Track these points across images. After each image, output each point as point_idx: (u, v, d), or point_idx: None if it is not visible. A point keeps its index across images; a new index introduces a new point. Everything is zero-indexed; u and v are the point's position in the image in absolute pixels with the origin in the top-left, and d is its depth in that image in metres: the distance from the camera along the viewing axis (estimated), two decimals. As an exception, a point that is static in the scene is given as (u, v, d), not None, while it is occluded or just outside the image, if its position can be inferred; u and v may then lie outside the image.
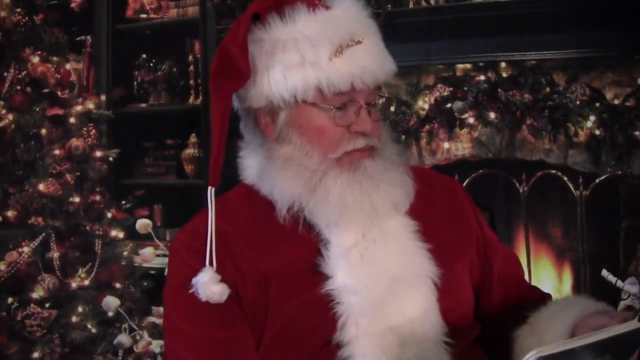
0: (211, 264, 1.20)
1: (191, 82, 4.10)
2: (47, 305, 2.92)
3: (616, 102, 3.07)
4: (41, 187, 2.95)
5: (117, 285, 3.15)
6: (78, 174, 3.13)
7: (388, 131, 1.36)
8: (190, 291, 1.21)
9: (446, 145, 3.39)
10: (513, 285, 1.41)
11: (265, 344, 1.22)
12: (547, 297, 1.41)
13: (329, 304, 1.19)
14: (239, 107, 1.30)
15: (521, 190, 3.20)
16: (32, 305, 2.86)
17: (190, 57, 4.12)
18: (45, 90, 3.15)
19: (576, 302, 1.28)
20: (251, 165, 1.31)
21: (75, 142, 3.11)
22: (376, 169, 1.25)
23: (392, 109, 3.37)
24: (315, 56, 1.21)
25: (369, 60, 1.23)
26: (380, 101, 1.30)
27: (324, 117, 1.23)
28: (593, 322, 1.16)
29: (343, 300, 1.19)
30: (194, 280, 1.19)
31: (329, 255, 1.22)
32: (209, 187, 1.24)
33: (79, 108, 3.22)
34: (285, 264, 1.23)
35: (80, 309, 2.98)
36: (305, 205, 1.23)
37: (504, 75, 3.25)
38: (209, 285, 1.18)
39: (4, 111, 2.97)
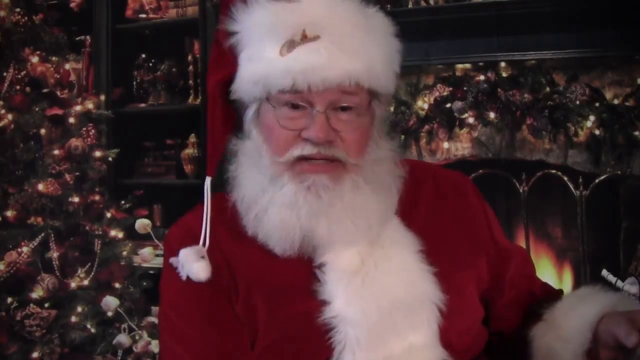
0: (204, 244, 1.19)
1: (190, 82, 4.10)
2: (46, 305, 2.91)
3: (616, 102, 3.06)
4: (41, 187, 2.95)
5: (117, 285, 3.15)
6: (77, 174, 3.13)
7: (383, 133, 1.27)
8: (189, 290, 1.19)
9: (446, 145, 3.39)
10: (525, 285, 1.37)
11: (258, 353, 1.19)
12: (559, 293, 1.38)
13: (327, 331, 1.15)
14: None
15: (521, 190, 3.20)
16: (31, 305, 2.86)
17: (190, 57, 4.12)
18: (45, 90, 3.15)
19: (592, 295, 1.24)
20: None
21: (74, 142, 3.10)
22: (334, 191, 1.15)
23: (392, 109, 3.37)
24: (262, 51, 1.15)
25: (317, 58, 1.12)
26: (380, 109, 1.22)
27: (272, 117, 1.16)
28: (615, 329, 1.11)
29: (341, 329, 1.14)
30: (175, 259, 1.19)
31: (327, 279, 1.16)
32: (207, 178, 1.22)
33: (78, 108, 3.22)
34: (277, 276, 1.18)
35: (79, 309, 2.98)
36: (258, 215, 1.17)
37: (504, 75, 3.25)
38: (189, 262, 1.17)
39: (3, 111, 2.97)
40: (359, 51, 1.16)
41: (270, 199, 1.16)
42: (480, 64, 3.30)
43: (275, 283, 1.18)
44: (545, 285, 1.42)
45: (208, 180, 1.21)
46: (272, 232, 1.17)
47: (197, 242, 1.20)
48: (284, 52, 1.13)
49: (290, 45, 1.13)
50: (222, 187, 1.26)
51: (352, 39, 1.16)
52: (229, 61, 1.20)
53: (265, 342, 1.18)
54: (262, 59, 1.14)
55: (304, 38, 1.13)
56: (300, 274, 1.18)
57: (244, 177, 1.20)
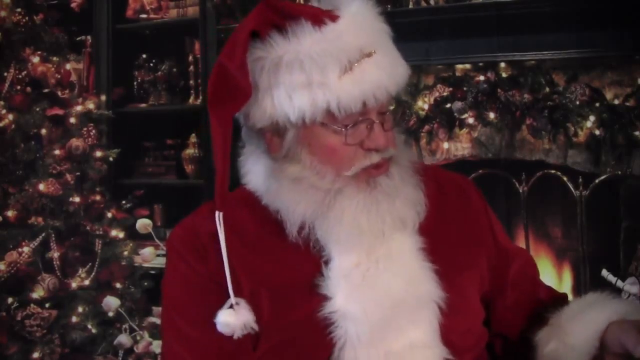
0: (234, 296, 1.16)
1: (191, 82, 4.11)
2: (47, 305, 2.92)
3: (616, 102, 3.07)
4: (41, 187, 2.95)
5: (117, 285, 3.16)
6: (78, 174, 3.14)
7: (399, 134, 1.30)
8: (191, 291, 1.20)
9: (446, 145, 3.39)
10: (528, 286, 1.36)
11: (260, 354, 1.19)
12: (564, 297, 1.38)
13: (326, 326, 1.16)
14: (241, 120, 1.24)
15: (521, 190, 3.20)
16: (32, 305, 2.86)
17: (190, 57, 4.12)
18: (45, 90, 3.15)
19: (600, 302, 1.23)
20: (253, 171, 1.26)
21: (75, 142, 3.11)
22: (392, 185, 1.20)
23: (392, 108, 3.37)
24: (322, 77, 1.13)
25: (380, 74, 1.15)
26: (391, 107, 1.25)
27: (335, 137, 1.17)
28: (624, 337, 1.11)
29: (341, 325, 1.15)
30: (220, 315, 1.16)
31: (330, 275, 1.17)
32: (217, 212, 1.18)
33: (79, 108, 3.23)
34: (282, 276, 1.19)
35: (80, 309, 2.99)
36: (318, 226, 1.18)
37: (504, 75, 3.25)
38: (232, 329, 1.16)
39: (4, 111, 2.97)
40: (399, 58, 1.22)
41: (341, 210, 1.17)
42: (480, 64, 3.30)
43: (282, 281, 1.19)
44: (550, 289, 1.42)
45: (220, 216, 1.18)
46: (342, 237, 1.18)
47: (200, 243, 1.20)
48: (346, 73, 1.14)
49: (349, 65, 1.14)
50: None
51: (393, 48, 1.22)
52: (243, 90, 1.16)
53: (268, 344, 1.18)
54: (324, 84, 1.14)
55: (362, 56, 1.15)
56: (307, 270, 1.19)
57: (296, 198, 1.19)
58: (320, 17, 1.17)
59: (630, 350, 1.08)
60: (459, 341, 1.21)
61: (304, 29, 1.16)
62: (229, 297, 1.18)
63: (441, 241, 1.24)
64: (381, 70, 1.16)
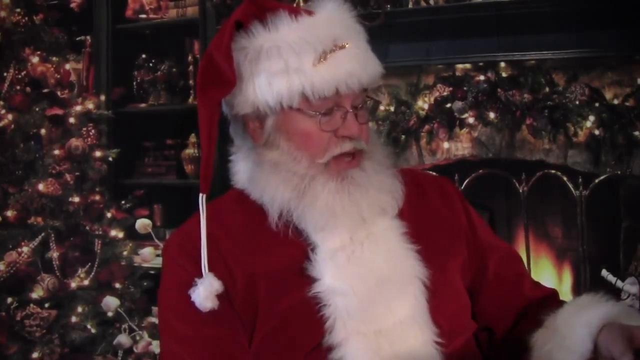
0: (207, 270, 1.21)
1: (191, 82, 4.10)
2: (46, 305, 2.92)
3: (616, 102, 3.07)
4: (41, 187, 2.95)
5: (117, 285, 3.16)
6: (78, 174, 3.14)
7: (383, 132, 1.37)
8: (186, 293, 1.21)
9: (446, 145, 3.39)
10: (513, 282, 1.39)
11: (255, 346, 1.23)
12: (553, 293, 1.40)
13: (317, 306, 1.20)
14: (227, 112, 1.31)
15: (521, 190, 3.19)
16: (31, 305, 2.86)
17: (190, 57, 4.12)
18: (45, 90, 3.15)
19: (594, 303, 1.24)
20: (241, 169, 1.32)
21: (75, 142, 3.11)
22: (364, 176, 1.26)
23: (392, 109, 3.38)
24: (298, 63, 1.22)
25: (353, 64, 1.23)
26: (368, 103, 1.30)
27: (310, 123, 1.24)
28: (611, 345, 1.11)
29: (330, 303, 1.19)
30: (191, 292, 1.20)
31: (317, 258, 1.22)
32: (200, 195, 1.24)
33: (78, 108, 3.23)
34: (274, 266, 1.23)
35: (80, 309, 2.99)
36: (294, 210, 1.24)
37: (504, 75, 3.25)
38: (205, 300, 1.19)
39: (3, 111, 2.97)
40: (372, 55, 1.29)
41: (314, 196, 1.23)
42: (480, 64, 3.30)
43: (274, 269, 1.23)
44: (537, 285, 1.44)
45: (203, 198, 1.24)
46: (319, 222, 1.23)
47: (197, 250, 1.23)
48: (321, 62, 1.22)
49: (324, 55, 1.22)
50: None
51: (366, 45, 1.29)
52: (228, 78, 1.23)
53: (263, 332, 1.22)
54: (300, 70, 1.21)
55: (336, 47, 1.23)
56: (296, 256, 1.23)
57: (275, 183, 1.25)
58: (298, 11, 1.27)
59: (616, 359, 1.09)
60: (447, 325, 1.25)
61: (282, 19, 1.25)
62: (224, 295, 1.21)
63: (423, 229, 1.30)
64: (353, 61, 1.24)
